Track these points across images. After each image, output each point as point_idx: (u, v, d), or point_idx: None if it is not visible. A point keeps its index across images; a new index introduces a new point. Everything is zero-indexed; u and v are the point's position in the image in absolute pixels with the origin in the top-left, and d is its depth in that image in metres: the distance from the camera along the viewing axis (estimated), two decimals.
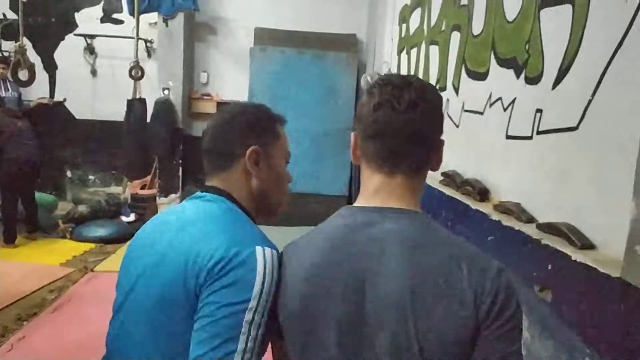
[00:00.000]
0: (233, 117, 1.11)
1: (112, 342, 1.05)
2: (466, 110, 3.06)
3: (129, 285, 1.03)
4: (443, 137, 1.01)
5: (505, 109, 2.54)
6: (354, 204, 0.97)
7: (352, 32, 6.12)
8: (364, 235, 0.88)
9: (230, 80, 6.15)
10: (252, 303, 0.88)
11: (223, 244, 0.92)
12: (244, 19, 6.05)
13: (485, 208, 2.52)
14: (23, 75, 5.01)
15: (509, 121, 2.50)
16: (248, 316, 0.87)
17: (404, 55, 4.63)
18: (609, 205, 1.65)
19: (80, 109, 6.08)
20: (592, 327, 1.54)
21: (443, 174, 3.24)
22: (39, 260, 4.33)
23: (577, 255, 1.65)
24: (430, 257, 0.85)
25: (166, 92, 5.63)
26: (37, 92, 5.93)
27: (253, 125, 1.11)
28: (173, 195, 5.78)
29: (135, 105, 4.79)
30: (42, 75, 6.09)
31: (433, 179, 3.43)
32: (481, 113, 2.82)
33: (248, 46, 5.90)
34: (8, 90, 4.99)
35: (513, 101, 2.46)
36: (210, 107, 6.08)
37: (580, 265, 1.62)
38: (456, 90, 3.23)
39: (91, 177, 6.34)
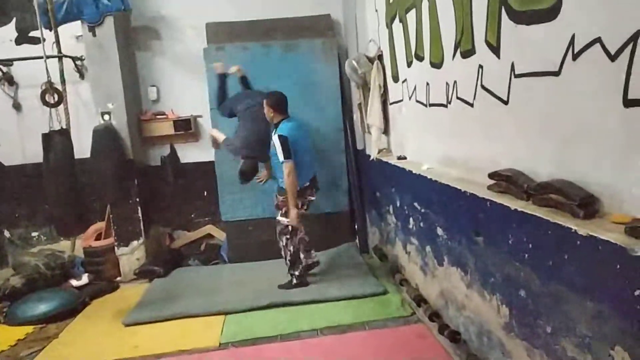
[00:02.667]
0: None
1: None
2: (520, 75, 1.97)
3: None
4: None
5: (613, 57, 1.45)
6: None
7: (325, 12, 5.02)
8: None
9: (186, 92, 5.01)
10: None
11: None
12: (192, 16, 4.92)
13: (606, 233, 1.43)
14: None
15: (627, 77, 1.41)
16: None
17: (397, 24, 3.53)
18: None
19: (8, 153, 4.92)
20: None
21: (493, 174, 2.14)
22: None
23: None
24: None
25: (106, 117, 4.47)
26: None
27: None
28: (135, 243, 4.62)
29: (55, 139, 3.64)
30: None
31: (475, 183, 2.34)
32: (556, 73, 1.73)
33: (201, 47, 4.78)
34: None
35: (633, 40, 1.37)
36: (166, 128, 4.93)
37: None
38: (494, 48, 2.14)
39: (34, 234, 5.16)
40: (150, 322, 3.54)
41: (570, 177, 1.71)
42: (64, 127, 3.95)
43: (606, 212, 1.57)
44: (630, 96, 1.41)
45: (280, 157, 3.59)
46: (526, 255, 1.86)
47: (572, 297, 1.59)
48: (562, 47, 1.67)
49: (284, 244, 3.88)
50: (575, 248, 1.55)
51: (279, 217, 3.86)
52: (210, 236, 5.18)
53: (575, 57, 1.62)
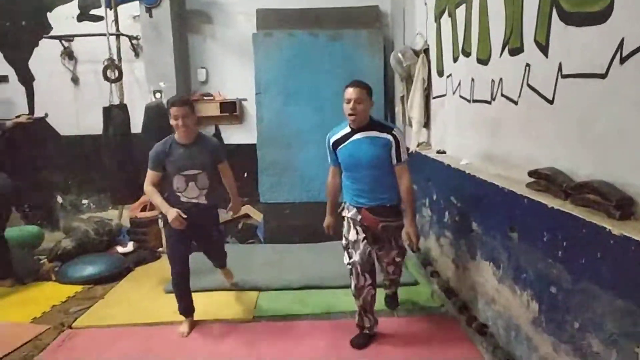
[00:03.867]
0: None
1: None
2: (567, 75, 1.99)
3: None
4: None
5: None
6: None
7: (374, 3, 5.06)
8: None
9: (233, 75, 5.19)
10: None
11: None
12: (243, 1, 5.07)
13: None
14: None
15: None
16: None
17: (445, 19, 3.55)
18: None
19: (65, 124, 5.24)
20: None
21: (532, 173, 2.18)
22: (6, 316, 3.48)
23: None
24: None
25: (158, 95, 4.70)
26: (15, 108, 5.13)
27: None
28: None
29: (114, 113, 3.87)
30: (18, 89, 5.29)
31: (513, 180, 2.38)
32: (602, 75, 1.75)
33: (250, 32, 4.93)
34: None
35: None
36: (212, 109, 5.13)
37: None
38: (543, 47, 2.16)
39: (84, 201, 5.50)
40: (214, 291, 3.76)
41: (608, 178, 1.74)
42: (124, 102, 4.18)
43: None
44: None
45: (403, 155, 2.80)
46: (560, 252, 1.90)
47: (602, 295, 1.64)
48: (610, 51, 1.69)
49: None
50: (609, 247, 1.59)
51: (395, 253, 3.07)
52: (247, 216, 5.37)
53: (622, 61, 1.64)
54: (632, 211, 1.63)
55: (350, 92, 2.72)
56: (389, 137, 2.76)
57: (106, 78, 4.18)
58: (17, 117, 4.89)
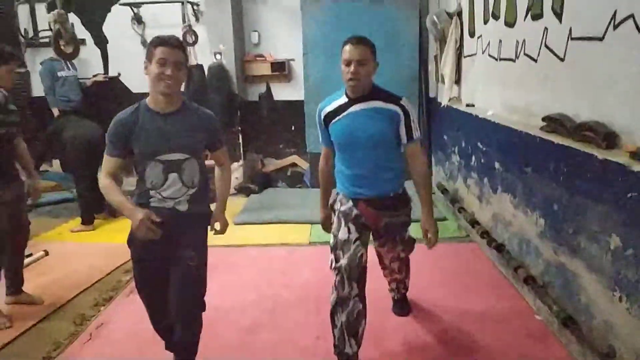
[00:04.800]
0: None
1: None
2: (575, 38, 2.50)
3: None
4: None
5: None
6: None
7: None
8: None
9: (283, 38, 5.74)
10: None
11: None
12: None
13: (617, 157, 2.03)
14: (67, 47, 4.69)
15: None
16: None
17: None
18: None
19: (135, 82, 5.92)
20: None
21: (545, 118, 2.72)
22: (115, 239, 4.27)
23: None
24: None
25: (218, 56, 5.32)
26: (91, 68, 5.84)
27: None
28: (235, 164, 5.57)
29: (194, 72, 4.51)
30: (94, 51, 5.99)
31: (530, 125, 2.92)
32: (600, 39, 2.27)
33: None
34: (69, 69, 4.83)
35: None
36: (264, 69, 5.74)
37: None
38: (558, 14, 2.66)
39: None
40: (253, 224, 4.49)
41: (601, 119, 2.28)
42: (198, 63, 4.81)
43: (623, 144, 2.15)
44: None
45: (416, 132, 2.24)
46: (561, 177, 2.48)
47: (589, 204, 2.22)
48: (606, 19, 2.19)
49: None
50: (595, 169, 2.16)
51: (400, 249, 2.56)
52: (294, 165, 6.05)
53: (615, 27, 2.15)
54: (616, 142, 2.19)
55: (352, 51, 2.12)
56: (397, 108, 2.18)
57: (185, 42, 4.80)
58: (94, 76, 5.60)
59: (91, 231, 4.56)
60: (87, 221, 4.60)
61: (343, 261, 2.20)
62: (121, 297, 3.19)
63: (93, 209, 4.63)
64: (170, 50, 1.88)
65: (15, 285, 3.11)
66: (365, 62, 2.12)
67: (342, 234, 2.26)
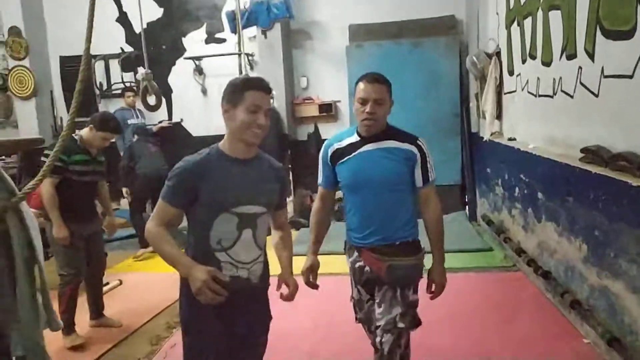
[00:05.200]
0: None
1: None
2: (608, 76, 2.70)
3: None
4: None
5: None
6: None
7: (450, 13, 5.81)
8: None
9: (329, 81, 6.18)
10: None
11: None
12: (338, 19, 6.04)
13: None
14: (151, 100, 5.34)
15: None
16: None
17: (514, 27, 4.27)
18: None
19: (196, 126, 6.49)
20: None
21: (583, 149, 2.90)
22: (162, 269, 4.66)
23: None
24: None
25: (271, 101, 5.77)
26: (157, 115, 6.45)
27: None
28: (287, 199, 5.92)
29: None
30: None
31: (570, 157, 3.10)
32: (630, 76, 2.47)
33: (344, 45, 5.88)
34: (138, 117, 5.45)
35: None
36: (312, 110, 6.16)
37: None
38: (591, 55, 2.88)
39: None
40: (304, 255, 4.71)
41: (635, 149, 2.45)
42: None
43: None
44: None
45: (432, 174, 2.07)
46: (600, 204, 2.63)
47: (627, 229, 2.37)
48: (635, 57, 2.41)
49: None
50: (630, 196, 2.32)
51: (398, 311, 2.00)
52: (340, 200, 6.31)
53: None
54: None
55: (368, 90, 1.96)
56: (413, 148, 2.02)
57: None
58: (160, 122, 6.20)
59: (154, 259, 4.96)
60: (146, 243, 5.04)
61: (360, 315, 2.28)
62: None
63: None
64: (265, 95, 1.68)
65: (97, 310, 3.50)
66: (382, 101, 1.97)
67: (355, 294, 2.26)
